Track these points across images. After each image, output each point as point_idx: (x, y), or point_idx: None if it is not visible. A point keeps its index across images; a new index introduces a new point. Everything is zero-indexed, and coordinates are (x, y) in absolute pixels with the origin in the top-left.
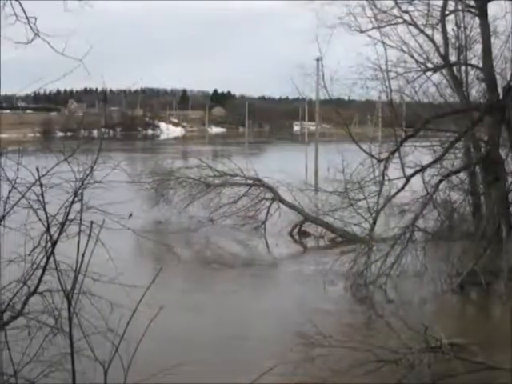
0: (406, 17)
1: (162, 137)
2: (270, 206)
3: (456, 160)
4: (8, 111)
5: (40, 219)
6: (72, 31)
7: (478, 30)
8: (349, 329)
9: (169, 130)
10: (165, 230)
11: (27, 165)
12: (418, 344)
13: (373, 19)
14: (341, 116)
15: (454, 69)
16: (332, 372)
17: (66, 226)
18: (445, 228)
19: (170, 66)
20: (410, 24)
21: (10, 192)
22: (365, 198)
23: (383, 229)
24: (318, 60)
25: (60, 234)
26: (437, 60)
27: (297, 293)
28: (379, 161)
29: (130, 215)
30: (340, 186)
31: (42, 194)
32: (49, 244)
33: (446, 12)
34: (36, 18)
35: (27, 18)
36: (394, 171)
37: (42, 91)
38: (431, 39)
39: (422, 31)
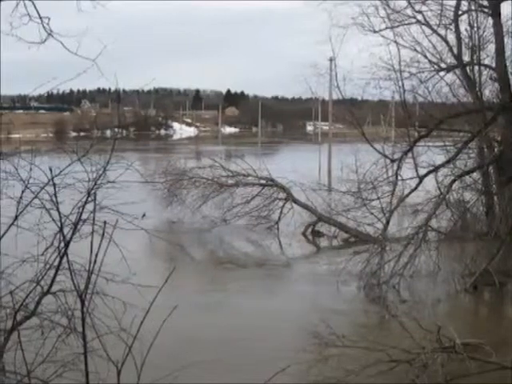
0: (420, 17)
1: (176, 137)
2: (283, 206)
3: (469, 160)
4: (21, 111)
5: (53, 219)
6: (85, 31)
7: (492, 30)
8: (362, 329)
9: (182, 130)
10: (178, 230)
11: (40, 165)
12: (431, 344)
13: (386, 19)
14: (354, 116)
15: (467, 69)
16: (345, 372)
17: (79, 226)
18: (458, 228)
19: (183, 66)
20: (423, 24)
21: (23, 192)
22: (378, 198)
23: (396, 229)
24: (331, 60)
25: (73, 233)
26: (450, 60)
27: (310, 293)
28: (392, 161)
29: (144, 215)
30: (353, 186)
31: (55, 194)
32: (62, 244)
33: (459, 12)
34: (49, 18)
35: (40, 17)
36: (407, 171)
37: (55, 91)
38: (444, 39)
39: (435, 31)
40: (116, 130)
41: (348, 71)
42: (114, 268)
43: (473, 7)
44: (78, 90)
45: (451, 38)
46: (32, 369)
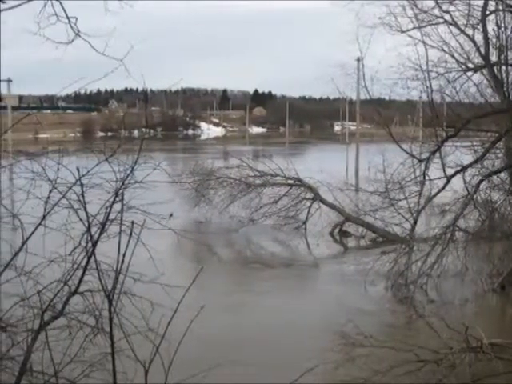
0: (447, 17)
1: (203, 137)
2: (310, 205)
3: (497, 160)
4: (49, 111)
5: (81, 219)
6: (112, 31)
7: None
8: (389, 329)
9: (209, 130)
10: (205, 229)
11: (68, 165)
12: (459, 344)
13: (413, 19)
14: (381, 116)
15: (495, 69)
16: (373, 372)
17: (106, 226)
18: (485, 228)
19: (210, 66)
20: (451, 24)
21: (50, 192)
22: (405, 198)
23: (424, 229)
24: (358, 60)
25: (101, 233)
26: (477, 60)
27: (337, 293)
28: (420, 161)
29: (171, 215)
30: (381, 186)
31: (82, 194)
32: (89, 244)
33: (487, 12)
34: (77, 18)
35: (68, 18)
36: (434, 171)
37: (82, 91)
38: (472, 39)
39: (462, 31)
40: (143, 130)
41: (375, 71)
42: (142, 268)
43: (500, 7)
44: (106, 90)
45: (479, 37)
46: (59, 369)
